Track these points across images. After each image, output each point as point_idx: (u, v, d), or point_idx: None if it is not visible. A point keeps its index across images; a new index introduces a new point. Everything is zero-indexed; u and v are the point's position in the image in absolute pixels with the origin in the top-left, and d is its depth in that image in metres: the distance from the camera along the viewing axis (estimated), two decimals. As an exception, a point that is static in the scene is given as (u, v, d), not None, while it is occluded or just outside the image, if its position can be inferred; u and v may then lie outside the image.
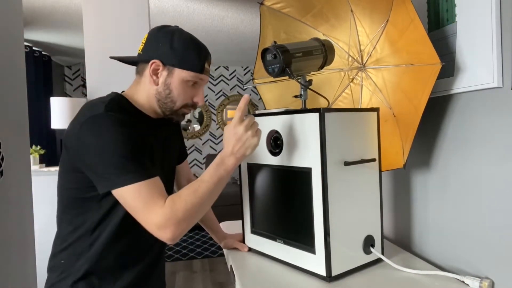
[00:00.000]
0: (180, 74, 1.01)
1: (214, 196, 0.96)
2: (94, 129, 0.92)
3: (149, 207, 0.90)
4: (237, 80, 6.50)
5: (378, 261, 1.11)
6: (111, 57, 1.14)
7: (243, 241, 1.28)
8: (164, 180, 1.03)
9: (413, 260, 1.15)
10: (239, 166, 1.27)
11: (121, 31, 2.52)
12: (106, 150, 0.91)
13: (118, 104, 1.01)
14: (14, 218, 1.55)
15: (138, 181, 0.90)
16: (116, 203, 0.97)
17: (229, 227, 1.54)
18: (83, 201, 0.99)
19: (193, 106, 1.07)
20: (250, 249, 1.26)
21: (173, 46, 1.01)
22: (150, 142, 1.03)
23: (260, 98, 1.51)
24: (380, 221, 1.11)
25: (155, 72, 1.02)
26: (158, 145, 1.09)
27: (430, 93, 1.03)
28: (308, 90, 1.11)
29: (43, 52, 4.71)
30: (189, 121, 6.37)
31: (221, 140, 6.47)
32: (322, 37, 1.30)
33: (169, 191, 1.15)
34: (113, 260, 1.01)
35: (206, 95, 6.40)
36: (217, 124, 6.45)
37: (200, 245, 4.39)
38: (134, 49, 1.12)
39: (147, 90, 1.04)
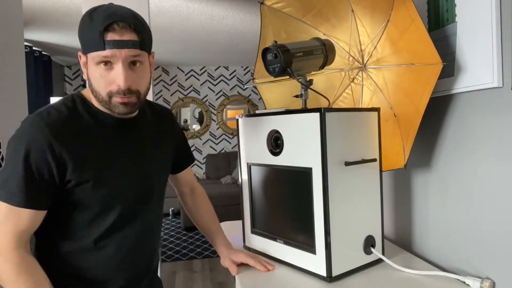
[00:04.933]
0: (90, 59, 0.88)
1: None
2: (17, 132, 0.90)
3: None
4: (237, 80, 6.50)
5: (378, 261, 1.11)
6: None
7: (244, 242, 1.28)
8: (123, 186, 0.97)
9: (413, 261, 1.15)
10: (240, 166, 1.27)
11: (121, 31, 2.49)
12: (6, 156, 0.89)
13: (70, 105, 0.94)
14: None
15: (2, 200, 0.86)
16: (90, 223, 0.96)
17: (229, 227, 1.54)
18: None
19: (121, 92, 0.89)
20: (249, 249, 1.26)
21: (79, 32, 0.90)
22: (101, 147, 0.95)
23: (261, 98, 1.51)
24: (380, 221, 1.11)
25: (83, 65, 0.92)
26: (114, 146, 0.98)
27: (431, 93, 1.02)
28: (308, 89, 1.11)
29: (43, 52, 4.70)
30: (185, 120, 6.37)
31: (221, 140, 6.48)
32: (323, 37, 1.30)
33: (144, 199, 1.04)
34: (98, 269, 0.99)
35: (206, 95, 6.39)
36: (217, 124, 6.45)
37: (200, 245, 4.39)
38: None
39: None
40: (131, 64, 0.89)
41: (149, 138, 1.07)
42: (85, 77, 0.95)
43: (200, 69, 6.38)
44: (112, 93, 0.89)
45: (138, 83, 0.92)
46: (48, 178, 0.89)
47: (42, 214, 0.91)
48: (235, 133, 6.43)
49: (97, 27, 0.85)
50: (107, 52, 0.85)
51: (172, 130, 1.17)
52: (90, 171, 0.92)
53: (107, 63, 0.87)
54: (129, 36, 0.86)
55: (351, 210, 1.04)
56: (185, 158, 1.25)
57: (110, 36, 0.85)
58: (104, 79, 0.89)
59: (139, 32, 0.88)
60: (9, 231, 0.87)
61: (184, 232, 4.91)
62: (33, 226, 0.90)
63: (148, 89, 0.97)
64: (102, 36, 0.84)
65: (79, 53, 0.93)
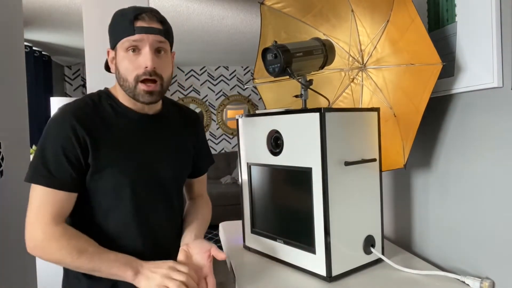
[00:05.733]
0: (119, 48, 0.98)
1: (81, 269, 0.92)
2: (48, 122, 0.98)
3: (36, 214, 0.92)
4: (237, 80, 6.50)
5: (378, 261, 1.11)
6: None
7: (244, 242, 1.28)
8: (138, 179, 1.01)
9: (413, 260, 1.15)
10: (240, 166, 1.27)
11: (121, 31, 2.49)
12: (39, 144, 0.96)
13: (95, 98, 1.03)
14: (14, 218, 1.55)
15: (37, 183, 0.92)
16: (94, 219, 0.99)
17: (229, 227, 1.54)
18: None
19: (147, 73, 0.96)
20: (249, 249, 1.26)
21: (109, 28, 1.01)
22: (120, 138, 1.00)
23: (260, 98, 1.51)
24: (380, 221, 1.11)
25: (111, 60, 1.02)
26: (133, 142, 1.02)
27: (431, 93, 1.03)
28: (308, 89, 1.11)
29: (43, 52, 4.70)
30: None
31: (221, 140, 6.48)
32: (323, 37, 1.30)
33: (158, 195, 1.06)
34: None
35: (206, 95, 6.39)
36: (217, 124, 6.45)
37: (200, 245, 4.38)
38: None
39: (116, 81, 1.04)
40: (156, 51, 0.98)
41: (169, 135, 1.11)
42: (112, 71, 1.03)
43: (200, 69, 6.38)
44: (139, 77, 0.96)
45: (162, 69, 0.99)
46: (75, 161, 0.95)
47: (73, 196, 0.96)
48: (235, 133, 6.43)
49: (128, 17, 0.96)
50: (136, 36, 0.95)
51: (195, 134, 1.21)
52: (107, 158, 0.98)
53: (135, 50, 0.96)
54: (155, 24, 0.98)
55: (351, 210, 1.04)
56: (201, 166, 1.25)
57: (139, 23, 0.96)
58: (132, 64, 0.97)
59: (163, 23, 0.99)
60: (46, 212, 0.92)
61: (184, 232, 4.88)
62: (66, 208, 0.95)
63: (170, 80, 1.04)
64: (132, 23, 0.95)
65: (108, 49, 1.03)
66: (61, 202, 0.93)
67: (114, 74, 1.02)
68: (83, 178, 0.97)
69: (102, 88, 1.09)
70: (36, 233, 0.91)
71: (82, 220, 1.00)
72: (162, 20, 0.99)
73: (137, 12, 0.96)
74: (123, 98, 1.04)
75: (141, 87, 0.97)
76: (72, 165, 0.94)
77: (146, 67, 0.95)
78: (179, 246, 1.14)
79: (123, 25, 0.96)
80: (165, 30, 0.99)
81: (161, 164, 1.07)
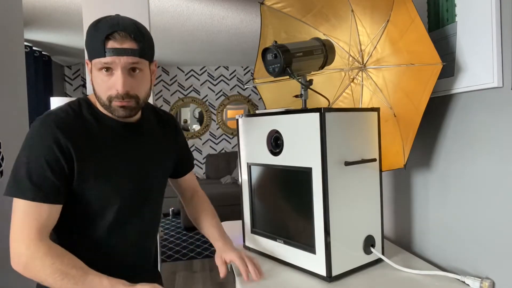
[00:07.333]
0: (93, 66, 0.94)
1: None
2: (28, 133, 0.95)
3: (20, 229, 0.89)
4: (237, 80, 6.50)
5: (378, 261, 1.11)
6: None
7: (244, 242, 1.28)
8: (122, 185, 1.00)
9: (413, 260, 1.15)
10: (240, 166, 1.27)
11: (121, 31, 2.49)
12: (19, 155, 0.93)
13: (75, 107, 0.99)
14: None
15: (21, 197, 0.89)
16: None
17: (229, 227, 1.54)
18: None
19: (120, 96, 0.94)
20: (249, 249, 1.26)
21: (85, 40, 0.97)
22: (103, 147, 0.98)
23: (261, 98, 1.50)
24: (380, 221, 1.11)
25: (89, 71, 0.98)
26: (116, 147, 1.01)
27: (431, 93, 1.03)
28: (308, 89, 1.11)
29: (43, 52, 4.70)
30: (185, 120, 6.38)
31: (221, 140, 6.48)
32: (323, 37, 1.30)
33: (142, 200, 1.06)
34: None
35: (206, 95, 6.39)
36: (217, 124, 6.45)
37: (200, 245, 4.39)
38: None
39: None
40: (131, 70, 0.94)
41: (151, 142, 1.10)
42: (90, 82, 0.99)
43: (200, 69, 6.38)
44: (111, 97, 0.94)
45: (137, 89, 0.96)
46: (59, 172, 0.92)
47: (58, 208, 0.93)
48: (235, 133, 6.43)
49: (100, 36, 0.91)
50: (107, 59, 0.91)
51: (175, 137, 1.20)
52: (91, 167, 0.96)
53: (108, 69, 0.93)
54: (128, 44, 0.92)
55: (351, 210, 1.04)
56: (186, 164, 1.27)
57: (111, 44, 0.91)
58: (105, 84, 0.94)
59: (139, 41, 0.93)
60: (31, 226, 0.89)
61: (184, 232, 4.90)
62: (51, 220, 0.93)
63: (148, 95, 1.02)
64: (104, 44, 0.90)
65: (86, 60, 0.99)
66: (46, 215, 0.91)
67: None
68: (67, 188, 0.94)
69: None
70: (20, 249, 0.88)
71: (63, 228, 0.98)
72: (138, 38, 0.93)
73: (109, 31, 0.90)
74: (102, 107, 1.01)
75: (115, 103, 0.95)
76: (57, 176, 0.91)
77: (116, 90, 0.93)
78: (151, 250, 1.16)
79: (95, 44, 0.91)
80: (141, 49, 0.93)
81: (145, 172, 1.06)
